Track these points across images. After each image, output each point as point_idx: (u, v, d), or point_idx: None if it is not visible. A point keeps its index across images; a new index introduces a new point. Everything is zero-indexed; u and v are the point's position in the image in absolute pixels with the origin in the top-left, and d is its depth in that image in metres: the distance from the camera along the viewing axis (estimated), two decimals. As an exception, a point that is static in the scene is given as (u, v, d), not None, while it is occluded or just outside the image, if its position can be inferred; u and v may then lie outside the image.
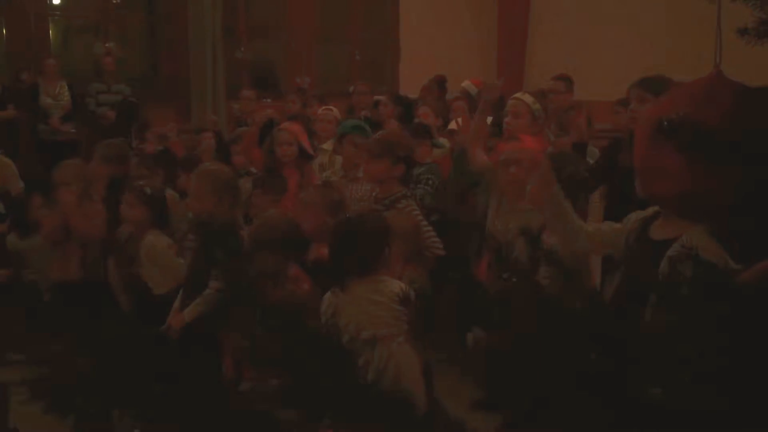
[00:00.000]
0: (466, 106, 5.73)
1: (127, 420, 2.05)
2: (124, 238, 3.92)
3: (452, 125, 5.06)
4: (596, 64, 7.35)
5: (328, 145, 4.96)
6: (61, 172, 4.45)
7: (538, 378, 2.48)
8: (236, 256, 3.24)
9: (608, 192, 3.69)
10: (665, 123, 1.64)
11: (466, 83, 6.92)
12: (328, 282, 2.96)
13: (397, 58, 9.30)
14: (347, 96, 7.07)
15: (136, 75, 8.50)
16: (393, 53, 9.35)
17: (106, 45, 7.78)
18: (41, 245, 4.29)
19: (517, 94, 4.16)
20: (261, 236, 3.16)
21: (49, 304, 4.12)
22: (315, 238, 3.30)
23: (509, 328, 2.46)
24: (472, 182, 4.18)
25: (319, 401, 2.49)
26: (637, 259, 2.38)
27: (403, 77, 9.17)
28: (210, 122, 6.50)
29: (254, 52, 8.74)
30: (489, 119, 4.60)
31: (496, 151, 3.98)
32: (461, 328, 3.35)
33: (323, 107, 5.64)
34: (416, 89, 7.32)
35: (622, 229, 2.63)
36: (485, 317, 2.99)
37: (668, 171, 1.71)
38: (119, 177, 4.35)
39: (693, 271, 1.81)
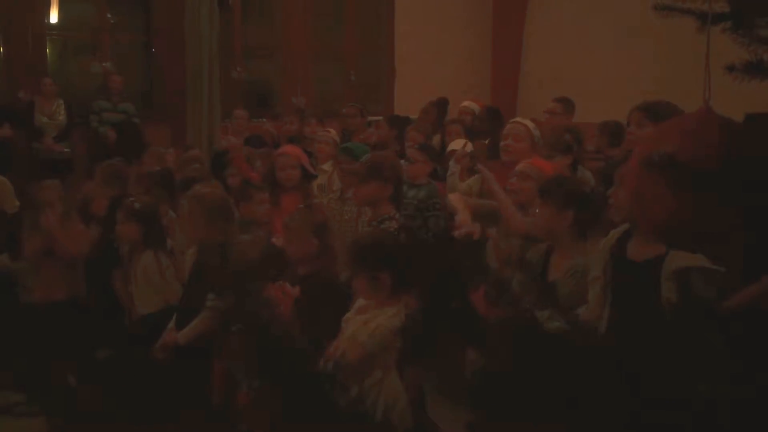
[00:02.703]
0: (461, 129, 5.77)
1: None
2: (126, 256, 3.93)
3: (453, 145, 5.09)
4: (589, 86, 7.41)
5: (327, 166, 4.99)
6: (43, 193, 4.44)
7: (533, 403, 2.50)
8: (229, 280, 3.27)
9: None
10: (655, 158, 1.68)
11: (467, 103, 6.98)
12: (317, 300, 2.96)
13: (393, 78, 9.37)
14: (342, 116, 7.10)
15: (132, 94, 8.54)
16: (388, 73, 9.42)
17: (103, 64, 7.83)
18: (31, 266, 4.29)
19: (518, 118, 4.21)
20: (237, 260, 3.17)
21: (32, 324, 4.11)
22: (301, 261, 3.31)
23: (505, 356, 2.48)
24: None
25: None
26: (625, 287, 2.37)
27: (398, 97, 9.23)
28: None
29: (250, 72, 8.80)
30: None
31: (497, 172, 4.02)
32: (456, 353, 3.36)
33: (321, 130, 5.68)
34: (411, 109, 7.37)
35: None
36: (480, 343, 3.01)
37: (658, 203, 1.74)
38: (120, 197, 4.37)
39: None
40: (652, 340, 2.20)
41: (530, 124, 4.06)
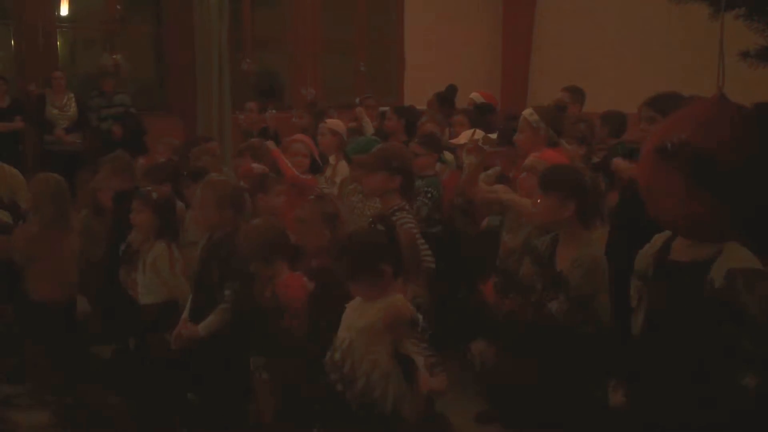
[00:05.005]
0: (466, 120, 5.75)
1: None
2: (135, 247, 3.92)
3: (461, 138, 5.08)
4: (599, 77, 7.36)
5: (332, 159, 4.99)
6: (35, 189, 4.30)
7: (542, 394, 2.50)
8: (241, 269, 3.28)
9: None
10: (667, 145, 1.66)
11: (474, 95, 6.95)
12: (331, 289, 2.96)
13: (402, 69, 9.34)
14: (352, 108, 7.08)
15: (142, 87, 8.57)
16: (398, 64, 9.39)
17: (114, 57, 7.84)
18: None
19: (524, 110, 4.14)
20: (248, 244, 3.19)
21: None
22: (315, 252, 3.31)
23: (515, 347, 2.48)
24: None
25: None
26: (662, 288, 2.14)
27: (408, 88, 9.21)
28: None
29: (260, 64, 8.80)
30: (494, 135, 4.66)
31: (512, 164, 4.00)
32: (465, 344, 3.36)
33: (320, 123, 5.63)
34: (421, 100, 7.34)
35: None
36: (490, 334, 3.01)
37: (670, 193, 1.73)
38: (126, 189, 4.38)
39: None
40: (694, 344, 2.04)
41: (526, 111, 3.99)
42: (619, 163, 3.62)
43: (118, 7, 8.18)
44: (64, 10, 8.02)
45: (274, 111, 7.89)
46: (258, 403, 3.07)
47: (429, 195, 4.37)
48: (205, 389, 3.33)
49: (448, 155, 5.29)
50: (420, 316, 2.56)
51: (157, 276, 3.72)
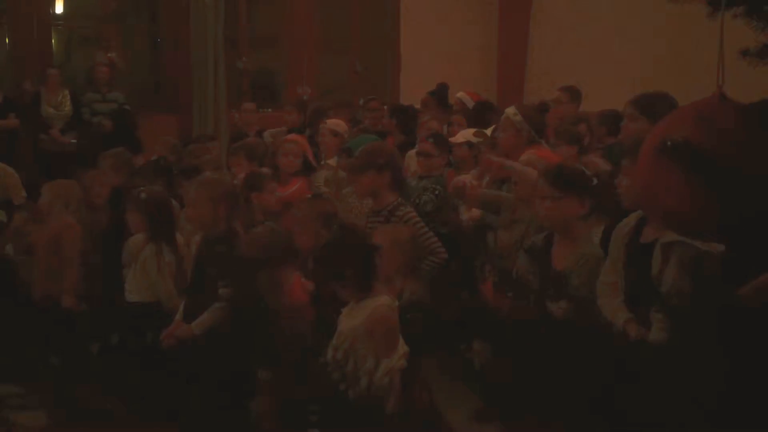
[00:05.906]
0: (464, 120, 5.75)
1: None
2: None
3: (458, 137, 5.08)
4: (597, 76, 7.36)
5: (333, 161, 4.96)
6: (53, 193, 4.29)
7: (540, 393, 2.50)
8: (236, 268, 3.27)
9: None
10: (668, 143, 1.67)
11: (460, 94, 6.94)
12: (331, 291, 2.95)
13: (398, 68, 9.34)
14: (349, 107, 7.07)
15: (138, 85, 8.54)
16: (394, 63, 9.39)
17: (108, 54, 7.82)
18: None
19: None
20: (249, 252, 3.17)
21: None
22: (311, 252, 3.30)
23: (514, 346, 2.48)
24: None
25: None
26: (632, 266, 2.28)
27: (403, 87, 9.20)
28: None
29: (256, 63, 8.78)
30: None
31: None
32: (463, 342, 3.36)
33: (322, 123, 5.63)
34: (417, 99, 7.34)
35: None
36: (490, 333, 3.01)
37: (669, 190, 1.74)
38: (123, 186, 4.37)
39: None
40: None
41: (510, 111, 3.97)
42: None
43: (114, 4, 8.17)
44: (59, 7, 7.99)
45: (269, 110, 7.89)
46: (259, 404, 3.06)
47: (437, 192, 4.37)
48: (204, 390, 3.31)
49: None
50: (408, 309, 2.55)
51: (144, 277, 3.70)
